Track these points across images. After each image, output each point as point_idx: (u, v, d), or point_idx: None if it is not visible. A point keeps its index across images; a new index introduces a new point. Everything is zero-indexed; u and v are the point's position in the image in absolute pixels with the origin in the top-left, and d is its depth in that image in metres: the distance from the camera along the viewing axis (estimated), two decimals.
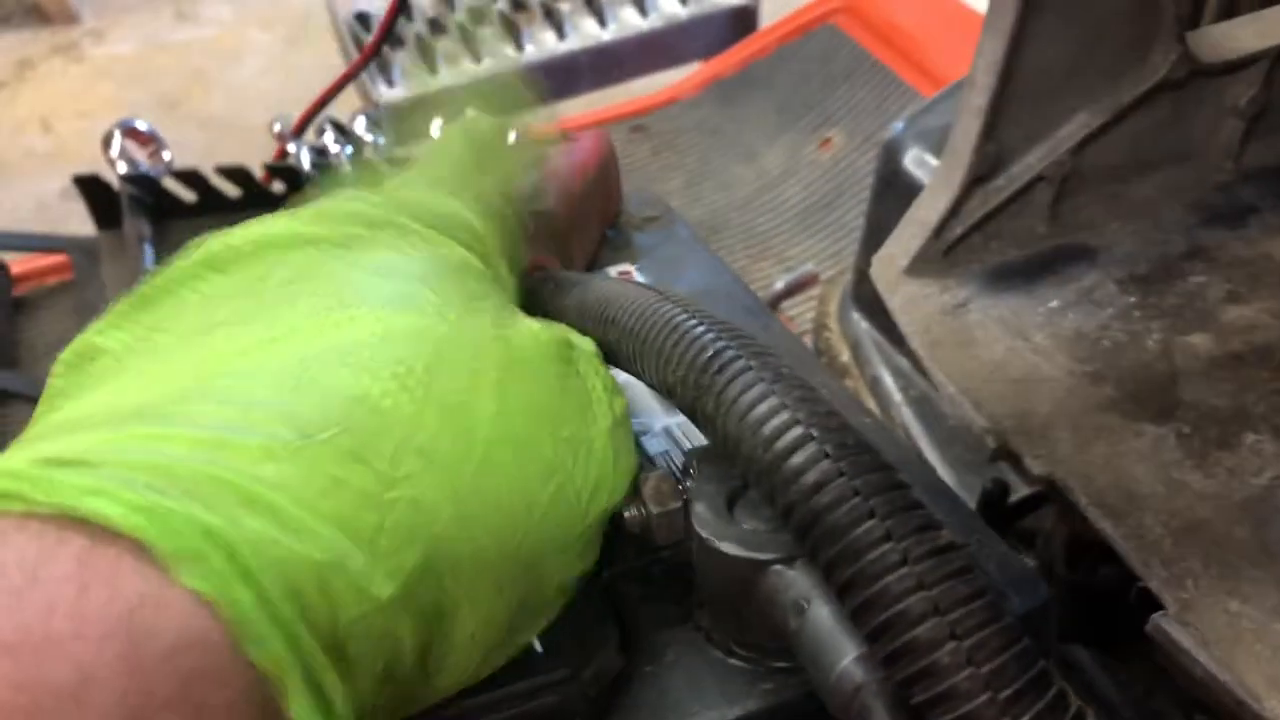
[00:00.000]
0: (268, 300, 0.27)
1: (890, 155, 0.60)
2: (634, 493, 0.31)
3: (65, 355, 0.28)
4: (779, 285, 0.80)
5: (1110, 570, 0.41)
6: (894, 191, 0.58)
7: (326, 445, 0.23)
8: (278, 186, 0.66)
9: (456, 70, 1.15)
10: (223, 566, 0.20)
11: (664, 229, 0.51)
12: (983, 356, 0.40)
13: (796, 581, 0.27)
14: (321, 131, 0.77)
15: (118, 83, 2.17)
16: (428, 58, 1.15)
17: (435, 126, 0.51)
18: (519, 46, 1.17)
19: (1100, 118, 0.43)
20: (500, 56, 1.16)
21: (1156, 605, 0.31)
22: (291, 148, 0.75)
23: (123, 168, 0.67)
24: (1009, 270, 0.43)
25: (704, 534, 0.29)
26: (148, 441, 0.22)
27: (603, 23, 1.20)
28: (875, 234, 0.59)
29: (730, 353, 0.28)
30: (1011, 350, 0.40)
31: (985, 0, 0.40)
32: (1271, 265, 0.42)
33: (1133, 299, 0.41)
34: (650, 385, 0.31)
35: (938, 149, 0.57)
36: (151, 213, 0.63)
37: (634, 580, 0.33)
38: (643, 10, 1.21)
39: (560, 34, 1.18)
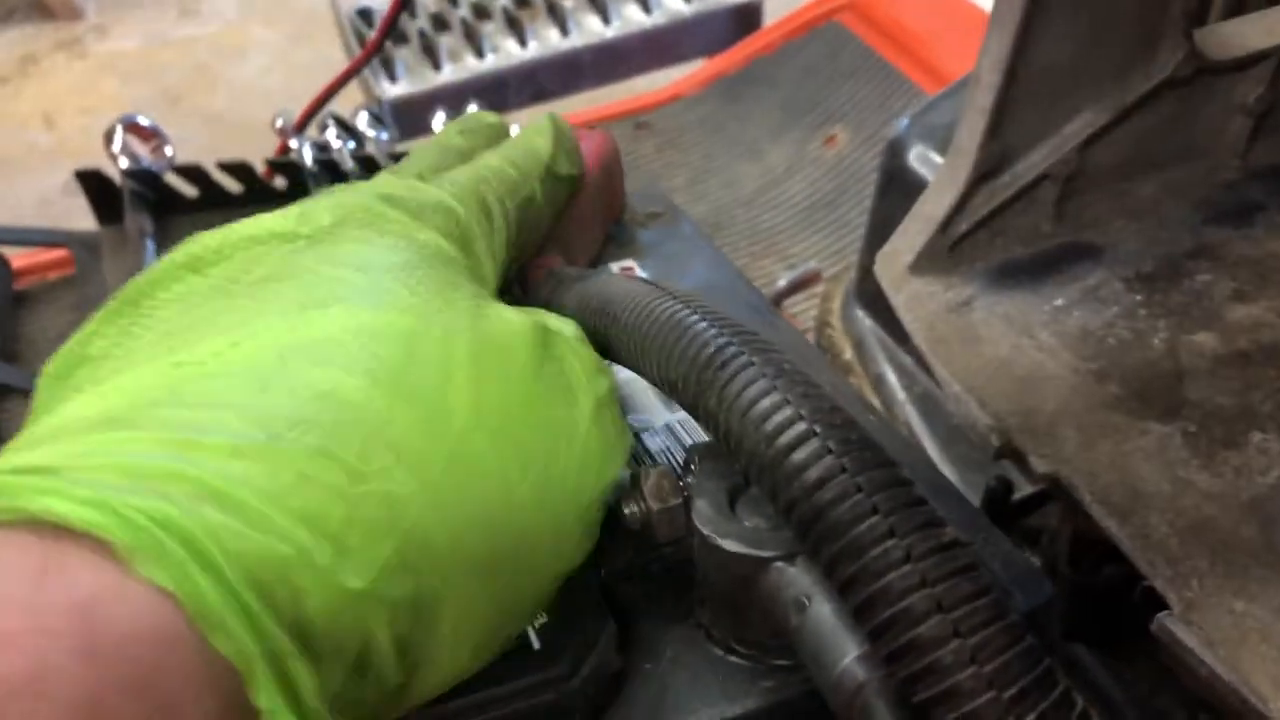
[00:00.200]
0: (241, 300, 0.27)
1: (895, 152, 0.59)
2: (634, 489, 0.31)
3: (48, 368, 0.28)
4: (782, 282, 0.80)
5: (1115, 569, 0.41)
6: (898, 189, 0.58)
7: (295, 443, 0.23)
8: (280, 182, 0.66)
9: (459, 66, 1.15)
10: (182, 557, 0.20)
11: (668, 225, 0.51)
12: (987, 354, 0.39)
13: (798, 579, 0.27)
14: (324, 127, 0.77)
15: (121, 78, 2.18)
16: (431, 54, 1.15)
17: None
18: (522, 43, 1.17)
19: (1106, 115, 0.42)
20: (503, 53, 1.16)
21: (1161, 604, 0.31)
22: (294, 143, 0.75)
23: (125, 163, 0.67)
24: (1014, 268, 0.43)
25: (705, 530, 0.28)
26: (115, 444, 0.22)
27: (606, 19, 1.20)
28: (879, 231, 0.59)
29: (732, 349, 0.28)
30: (1016, 348, 0.39)
31: None
32: (1278, 264, 0.42)
33: (1138, 297, 0.41)
34: (652, 381, 0.31)
35: (942, 146, 0.57)
36: (153, 208, 0.63)
37: (633, 577, 0.33)
38: (646, 7, 1.21)
39: (564, 30, 1.18)
